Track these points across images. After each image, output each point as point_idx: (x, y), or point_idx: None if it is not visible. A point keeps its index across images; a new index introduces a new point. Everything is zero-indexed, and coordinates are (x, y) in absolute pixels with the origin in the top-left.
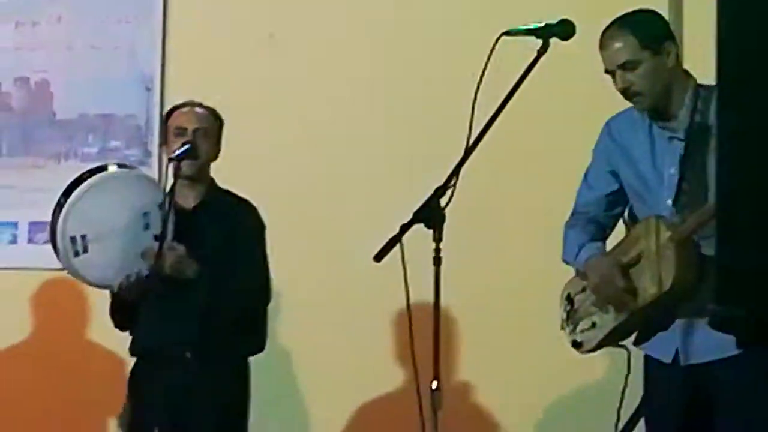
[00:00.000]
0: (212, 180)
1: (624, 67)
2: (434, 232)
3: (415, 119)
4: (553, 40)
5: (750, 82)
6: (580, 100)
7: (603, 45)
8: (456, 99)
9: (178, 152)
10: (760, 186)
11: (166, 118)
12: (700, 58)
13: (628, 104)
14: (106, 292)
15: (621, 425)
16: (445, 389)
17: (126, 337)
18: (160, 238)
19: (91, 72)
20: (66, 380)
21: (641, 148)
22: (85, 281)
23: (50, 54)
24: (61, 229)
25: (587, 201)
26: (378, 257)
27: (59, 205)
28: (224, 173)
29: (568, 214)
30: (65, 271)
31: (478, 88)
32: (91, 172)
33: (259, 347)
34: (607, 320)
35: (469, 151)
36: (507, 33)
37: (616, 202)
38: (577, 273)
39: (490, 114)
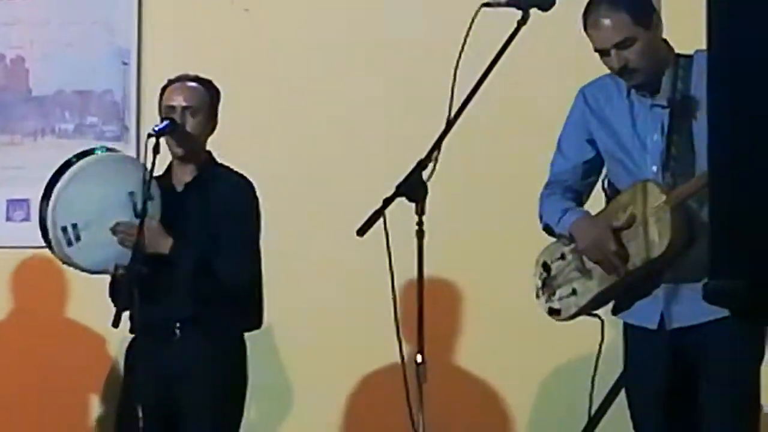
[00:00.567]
0: (208, 155)
1: (620, 45)
2: (417, 205)
3: (394, 92)
4: (533, 11)
5: (740, 53)
6: (560, 70)
7: (593, 24)
8: (437, 71)
9: (157, 128)
10: (752, 158)
11: (160, 95)
12: (675, 27)
13: (606, 71)
14: None
15: (595, 394)
16: (429, 362)
17: (105, 315)
18: (140, 215)
19: (67, 48)
20: (46, 359)
21: (620, 116)
22: (81, 269)
23: (25, 30)
24: (51, 220)
25: (563, 169)
26: (361, 231)
27: (45, 197)
28: None
29: None
30: (44, 249)
31: (458, 60)
32: (70, 162)
33: (253, 324)
34: (590, 286)
35: (450, 123)
36: (487, 4)
37: (592, 171)
38: (558, 238)
39: (472, 86)
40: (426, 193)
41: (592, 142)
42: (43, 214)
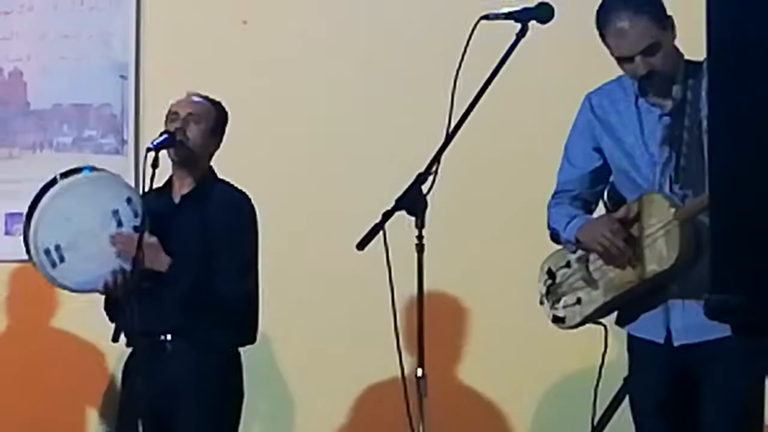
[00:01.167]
0: (209, 170)
1: (646, 52)
2: (416, 219)
3: (394, 105)
4: (532, 24)
5: (741, 64)
6: (563, 80)
7: (616, 32)
8: (437, 85)
9: (155, 142)
10: (753, 172)
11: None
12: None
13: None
14: None
15: (598, 402)
16: (430, 376)
17: (104, 329)
18: (139, 230)
19: (65, 61)
20: (45, 373)
21: (627, 124)
22: (68, 289)
23: (23, 44)
24: (33, 243)
25: (570, 179)
26: (361, 245)
27: (27, 220)
28: None
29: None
30: None
31: (457, 73)
32: (54, 182)
33: (246, 339)
34: (595, 296)
35: (449, 137)
36: (486, 17)
37: (599, 179)
38: (564, 245)
39: (471, 99)
40: (425, 206)
41: (598, 150)
42: (26, 237)
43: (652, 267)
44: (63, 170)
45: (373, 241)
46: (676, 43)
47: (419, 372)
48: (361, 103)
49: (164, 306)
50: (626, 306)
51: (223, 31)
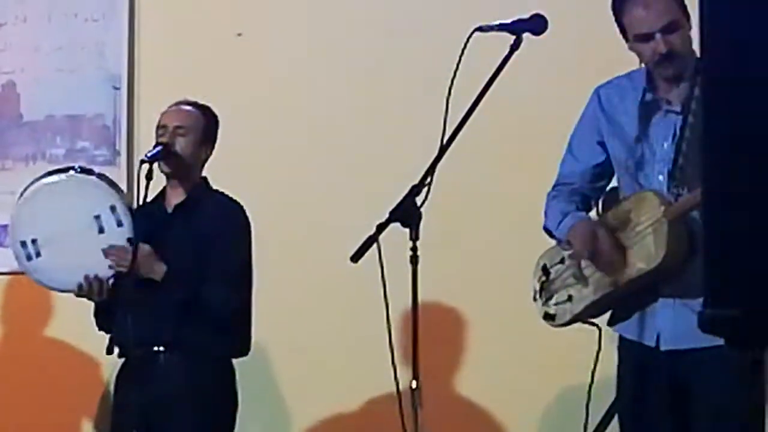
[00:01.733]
0: (202, 180)
1: (666, 29)
2: (411, 231)
3: (388, 116)
4: (526, 36)
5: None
6: (558, 90)
7: (642, 4)
8: (430, 96)
9: (149, 154)
10: (747, 185)
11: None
12: None
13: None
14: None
15: (591, 404)
16: (424, 388)
17: (97, 339)
18: (134, 239)
19: (58, 73)
20: (38, 384)
21: (633, 120)
22: (44, 285)
23: (16, 55)
24: (11, 233)
25: (572, 171)
26: (355, 257)
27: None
28: None
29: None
30: None
31: (451, 84)
32: (39, 178)
33: (239, 350)
34: (585, 294)
35: (443, 148)
36: (480, 29)
37: (602, 174)
38: (558, 243)
39: (465, 111)
40: (420, 218)
41: (603, 144)
42: (7, 228)
43: (640, 265)
44: (56, 167)
45: (367, 253)
46: None
47: (414, 384)
48: (356, 115)
49: (157, 317)
50: (617, 305)
51: (217, 43)
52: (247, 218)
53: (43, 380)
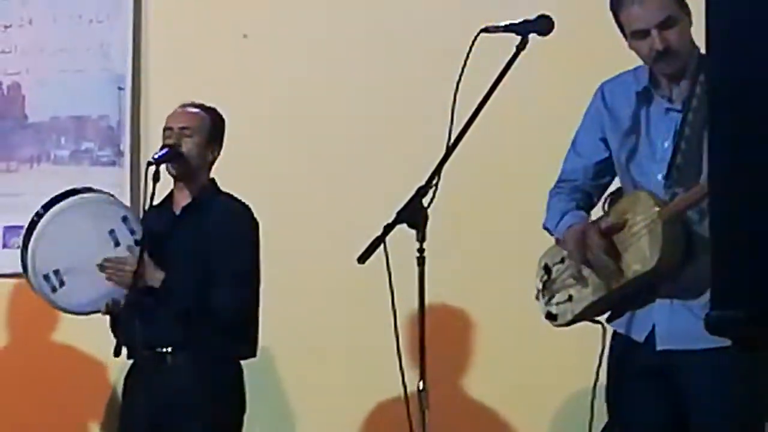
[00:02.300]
0: (210, 181)
1: (663, 25)
2: (417, 232)
3: (395, 118)
4: (532, 36)
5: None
6: (560, 96)
7: (637, 1)
8: (436, 97)
9: (156, 156)
10: (754, 185)
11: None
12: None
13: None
14: None
15: (596, 403)
16: (433, 389)
17: (104, 342)
18: (140, 247)
19: (63, 74)
20: (45, 387)
21: (634, 116)
22: (70, 312)
23: (22, 57)
24: (32, 270)
25: (574, 168)
26: (362, 259)
27: (24, 247)
28: None
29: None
30: None
31: (457, 86)
32: (48, 205)
33: (246, 351)
34: (585, 294)
35: (450, 149)
36: (486, 30)
37: (605, 171)
38: (557, 242)
39: (471, 111)
40: (426, 219)
41: (605, 141)
42: (24, 263)
43: (636, 267)
44: (55, 194)
45: (374, 255)
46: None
47: (421, 385)
48: (362, 116)
49: (165, 318)
50: (617, 306)
51: (222, 44)
52: (254, 220)
53: (50, 383)
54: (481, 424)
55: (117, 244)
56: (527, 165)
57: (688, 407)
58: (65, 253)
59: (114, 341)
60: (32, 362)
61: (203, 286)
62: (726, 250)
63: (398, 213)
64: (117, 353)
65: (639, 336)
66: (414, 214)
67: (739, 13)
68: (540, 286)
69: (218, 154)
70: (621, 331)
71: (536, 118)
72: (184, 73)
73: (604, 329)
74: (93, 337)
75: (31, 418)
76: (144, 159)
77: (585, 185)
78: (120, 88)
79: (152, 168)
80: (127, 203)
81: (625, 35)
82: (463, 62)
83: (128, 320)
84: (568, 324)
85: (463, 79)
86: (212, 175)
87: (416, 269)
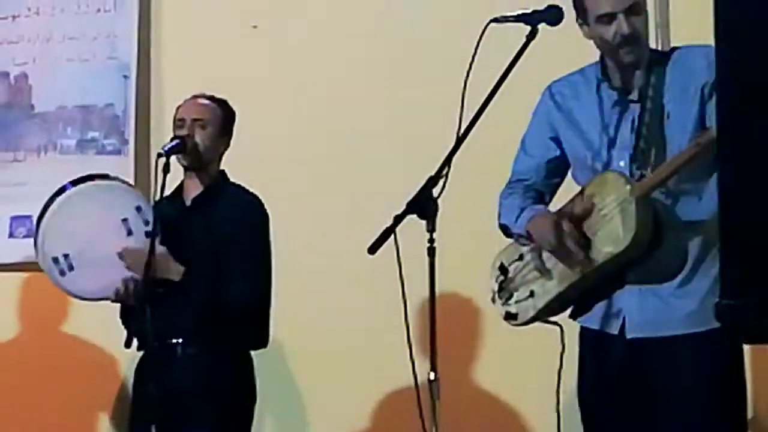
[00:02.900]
0: (220, 173)
1: (629, 10)
2: (427, 222)
3: (405, 108)
4: (542, 26)
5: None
6: None
7: None
8: (446, 87)
9: (166, 147)
10: (763, 176)
11: (174, 113)
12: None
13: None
14: None
15: (562, 406)
16: (443, 379)
17: (113, 332)
18: (150, 238)
19: (69, 63)
20: (53, 378)
21: (588, 112)
22: (79, 297)
23: (28, 47)
24: (41, 250)
25: (526, 168)
26: (372, 249)
27: (37, 227)
28: None
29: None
30: None
31: (467, 76)
32: (62, 190)
33: (257, 343)
34: (549, 287)
35: (460, 140)
36: (495, 20)
37: (556, 171)
38: (516, 240)
39: (481, 102)
40: (437, 209)
41: (556, 140)
42: (36, 244)
43: (608, 249)
44: (73, 178)
45: (384, 245)
46: None
47: (432, 375)
48: (372, 106)
49: (176, 309)
50: (582, 296)
51: (231, 34)
52: (265, 211)
53: (60, 375)
54: (492, 414)
55: (130, 233)
56: None
57: (656, 392)
58: (75, 238)
59: (125, 332)
60: (42, 353)
61: (215, 276)
62: (736, 240)
63: (408, 203)
64: (128, 344)
65: (614, 328)
66: (424, 205)
67: (747, 10)
68: (496, 288)
69: (228, 146)
70: (594, 326)
71: None
72: (191, 63)
73: (562, 330)
74: (103, 329)
75: (42, 410)
76: (149, 148)
77: (537, 184)
78: (125, 77)
79: (162, 159)
80: None
81: (585, 23)
82: (473, 52)
83: (139, 311)
84: (528, 322)
85: (473, 69)
86: (223, 165)
87: (426, 259)
